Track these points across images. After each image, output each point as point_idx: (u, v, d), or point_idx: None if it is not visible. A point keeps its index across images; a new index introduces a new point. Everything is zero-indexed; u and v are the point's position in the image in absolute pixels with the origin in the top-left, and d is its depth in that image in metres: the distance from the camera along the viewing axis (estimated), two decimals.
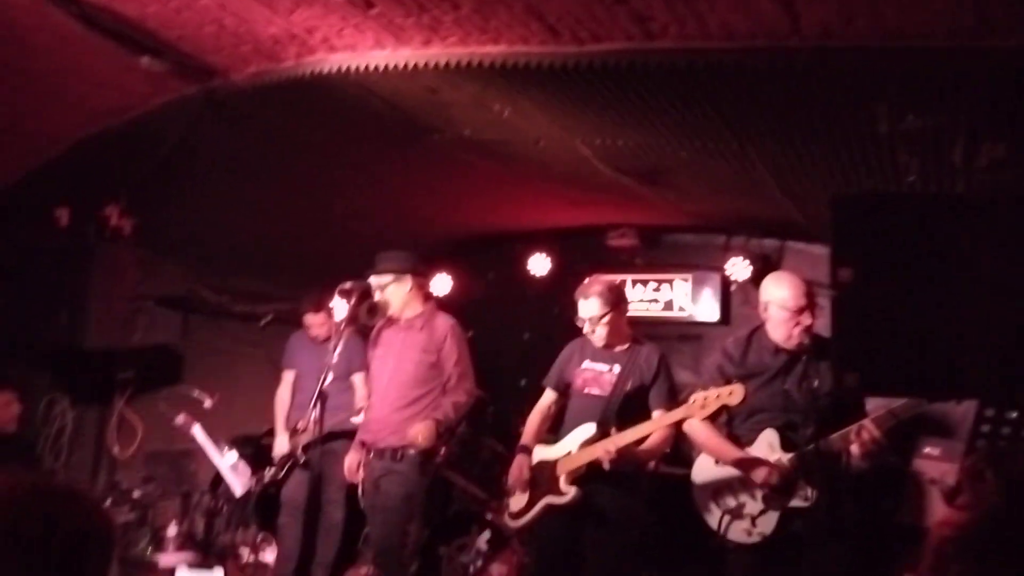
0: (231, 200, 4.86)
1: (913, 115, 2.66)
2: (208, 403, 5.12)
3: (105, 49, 3.32)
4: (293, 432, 4.91)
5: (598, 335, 3.64)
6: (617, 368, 3.64)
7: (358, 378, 4.87)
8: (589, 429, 3.57)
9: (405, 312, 4.19)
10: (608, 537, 3.56)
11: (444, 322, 4.18)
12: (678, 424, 3.51)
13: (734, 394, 3.15)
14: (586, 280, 3.79)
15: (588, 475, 3.53)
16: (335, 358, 4.85)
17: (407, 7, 2.80)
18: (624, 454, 3.41)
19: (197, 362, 5.59)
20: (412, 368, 4.09)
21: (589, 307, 3.61)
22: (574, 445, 3.60)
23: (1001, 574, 0.63)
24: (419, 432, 3.89)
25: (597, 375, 3.69)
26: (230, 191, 4.77)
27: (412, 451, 4.00)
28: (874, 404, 3.20)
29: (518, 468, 3.74)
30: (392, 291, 4.14)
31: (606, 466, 3.40)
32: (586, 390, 3.69)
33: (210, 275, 5.43)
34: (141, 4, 3.01)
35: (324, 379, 4.17)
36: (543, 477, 3.68)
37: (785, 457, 3.09)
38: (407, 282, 4.16)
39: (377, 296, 4.17)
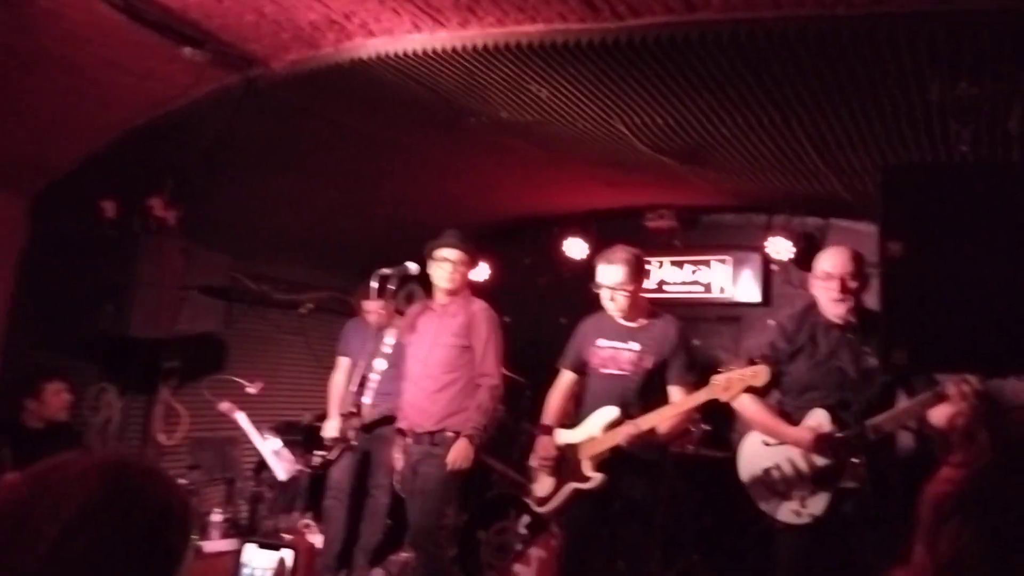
0: (272, 189, 4.92)
1: (966, 82, 2.58)
2: (252, 389, 5.21)
3: (148, 41, 3.36)
4: (346, 416, 4.97)
5: (617, 305, 3.56)
6: (635, 345, 3.57)
7: None
8: (611, 412, 3.53)
9: (444, 298, 4.22)
10: (634, 520, 3.56)
11: (478, 305, 4.22)
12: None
13: (758, 375, 3.12)
14: (610, 247, 3.72)
15: (612, 460, 3.50)
16: (387, 347, 4.93)
17: None
18: (646, 438, 3.39)
19: (239, 350, 5.68)
20: (445, 353, 4.13)
21: (613, 274, 3.53)
22: (597, 428, 3.56)
23: (996, 529, 0.65)
24: (456, 456, 3.96)
25: (615, 353, 3.62)
26: (271, 180, 4.82)
27: (449, 434, 4.03)
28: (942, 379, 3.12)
29: (543, 450, 3.73)
30: (463, 269, 4.19)
31: (626, 446, 3.39)
32: (604, 370, 3.63)
33: (252, 264, 5.49)
34: None
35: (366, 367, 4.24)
36: (567, 461, 3.66)
37: (837, 434, 3.04)
38: (473, 265, 4.25)
39: (448, 268, 4.14)
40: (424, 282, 4.52)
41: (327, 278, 6.13)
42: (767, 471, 3.24)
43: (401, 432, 4.23)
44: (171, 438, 5.36)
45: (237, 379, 5.28)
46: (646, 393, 3.53)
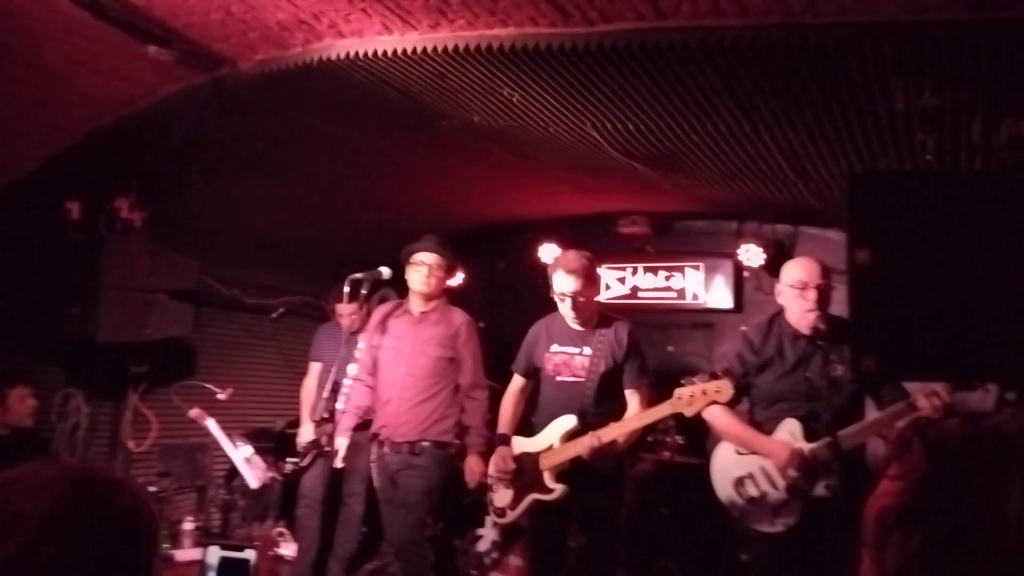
0: (241, 191, 4.86)
1: (930, 92, 2.61)
2: (222, 396, 5.13)
3: (113, 39, 3.31)
4: (319, 422, 4.91)
5: (571, 311, 3.57)
6: (588, 350, 3.59)
7: None
8: (570, 421, 3.53)
9: (421, 305, 4.16)
10: (596, 524, 3.57)
11: (460, 316, 4.17)
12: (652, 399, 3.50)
13: (721, 391, 3.12)
14: (560, 253, 3.71)
15: (572, 470, 3.51)
16: (359, 351, 4.87)
17: None
18: (607, 449, 3.40)
19: (209, 355, 5.60)
20: (429, 363, 4.07)
21: (568, 283, 3.53)
22: (556, 438, 3.56)
23: (938, 538, 0.65)
24: (475, 473, 3.93)
25: (568, 359, 3.63)
26: (240, 182, 4.77)
27: (428, 444, 4.00)
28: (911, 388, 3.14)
29: (501, 460, 3.71)
30: (440, 275, 4.13)
31: (586, 457, 3.39)
32: (559, 377, 3.64)
33: (221, 267, 5.42)
34: None
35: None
36: (526, 471, 3.64)
37: (807, 447, 3.04)
38: (451, 270, 4.19)
39: (424, 272, 4.08)
40: (399, 286, 4.46)
41: (299, 282, 6.07)
42: (740, 480, 3.24)
43: (376, 439, 4.16)
44: (140, 445, 5.27)
45: (207, 385, 5.20)
46: (602, 398, 3.55)
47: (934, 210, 2.27)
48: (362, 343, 4.98)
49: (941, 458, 0.69)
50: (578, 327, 3.64)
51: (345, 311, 5.04)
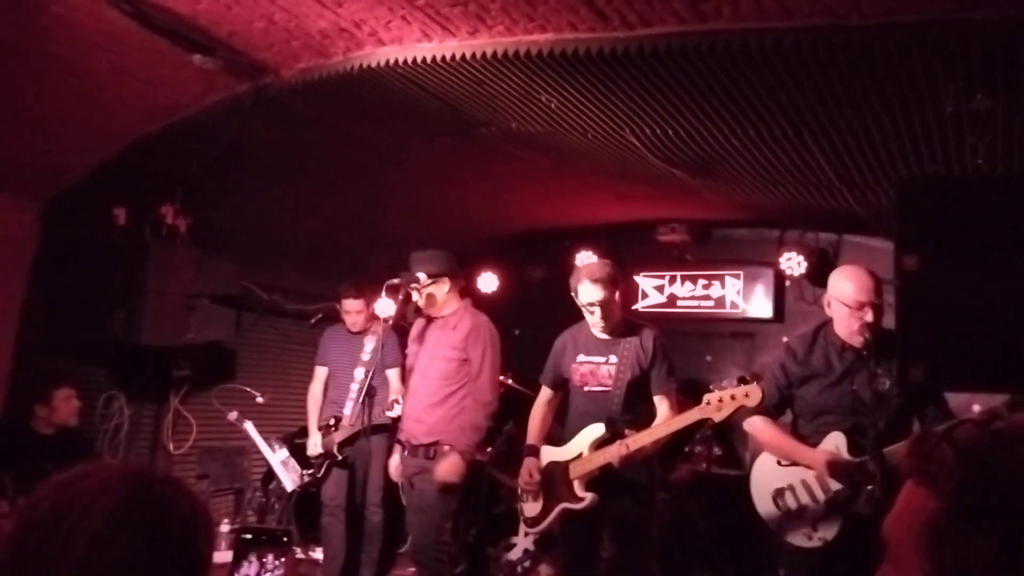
0: (283, 198, 4.92)
1: (982, 94, 2.53)
2: (261, 399, 5.19)
3: (159, 48, 3.37)
4: (325, 429, 4.93)
5: (599, 320, 3.57)
6: (613, 359, 3.58)
7: (392, 373, 4.86)
8: (598, 429, 3.52)
9: (443, 311, 4.19)
10: (628, 535, 3.53)
11: (475, 318, 4.17)
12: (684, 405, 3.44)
13: (751, 396, 3.07)
14: (584, 262, 3.69)
15: (602, 478, 3.48)
16: (371, 353, 4.91)
17: None
18: (636, 456, 3.37)
19: (249, 359, 5.68)
20: (442, 366, 4.09)
21: (595, 292, 3.52)
22: (585, 447, 3.55)
23: (996, 539, 0.66)
24: (445, 470, 3.90)
25: (594, 368, 3.63)
26: (282, 189, 4.83)
27: (445, 448, 3.99)
28: (956, 403, 3.06)
29: (528, 472, 3.70)
30: (433, 289, 4.15)
31: (616, 464, 3.36)
32: (587, 388, 3.64)
33: (262, 273, 5.50)
34: (193, 1, 3.05)
35: (370, 374, 4.21)
36: (555, 480, 3.63)
37: (854, 460, 2.95)
38: (445, 283, 4.17)
39: (415, 297, 4.16)
40: None
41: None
42: (780, 491, 3.16)
43: (400, 443, 4.20)
44: (180, 447, 5.35)
45: (246, 388, 5.27)
46: (630, 406, 3.53)
47: (984, 216, 2.21)
48: (368, 345, 5.02)
49: (979, 459, 0.70)
50: (605, 336, 3.64)
51: (352, 307, 5.06)
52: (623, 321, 3.67)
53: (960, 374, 2.23)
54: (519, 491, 3.81)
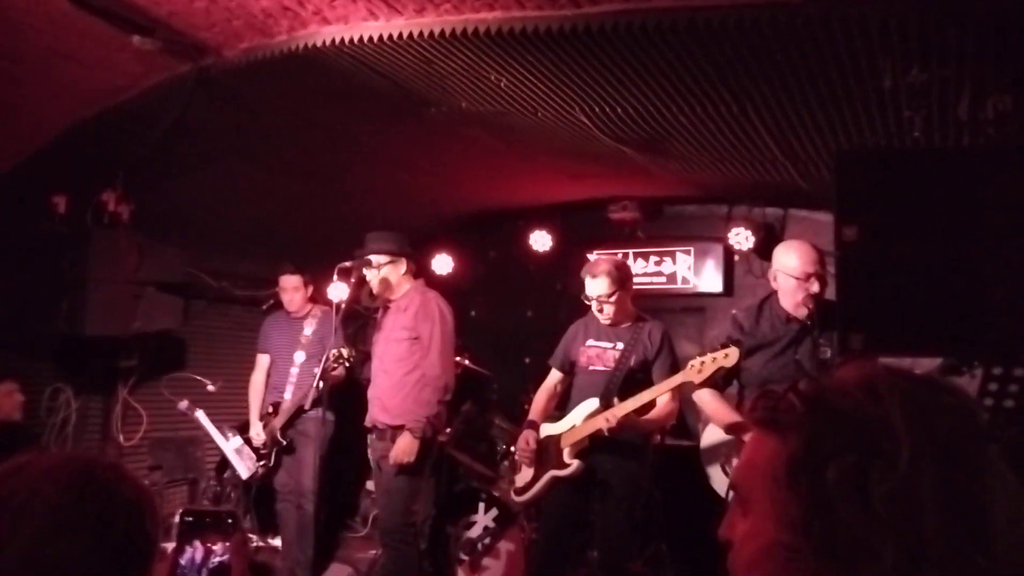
0: (229, 182, 4.83)
1: (917, 68, 2.61)
2: (212, 388, 5.11)
3: (95, 29, 3.28)
4: (266, 417, 4.89)
5: (605, 313, 3.69)
6: (621, 345, 3.70)
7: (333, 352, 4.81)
8: (592, 403, 3.64)
9: (396, 293, 4.21)
10: (613, 507, 3.60)
11: (424, 295, 4.19)
12: (680, 397, 3.52)
13: (729, 356, 3.19)
14: (593, 258, 3.82)
15: (591, 447, 3.57)
16: (311, 335, 4.86)
17: None
18: (625, 423, 3.43)
19: (200, 348, 5.58)
20: (395, 347, 4.12)
21: (598, 286, 3.64)
22: (578, 419, 3.66)
23: (848, 469, 0.77)
24: (397, 451, 3.94)
25: (601, 352, 3.75)
26: (228, 172, 4.73)
27: (405, 430, 4.00)
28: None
29: (524, 442, 3.79)
30: (388, 272, 4.15)
31: (606, 433, 3.42)
32: (591, 367, 3.75)
33: (211, 259, 5.39)
34: None
35: (322, 357, 4.18)
36: (548, 451, 3.73)
37: None
38: (401, 265, 4.17)
39: (370, 276, 4.16)
40: None
41: (297, 272, 6.04)
42: (728, 459, 3.28)
43: (367, 429, 4.23)
44: (131, 439, 5.25)
45: (196, 377, 5.18)
46: (627, 388, 3.60)
47: (921, 187, 2.28)
48: (308, 328, 4.98)
49: (824, 404, 0.81)
50: (613, 326, 3.74)
51: (288, 284, 5.01)
52: (633, 313, 3.77)
53: (898, 340, 2.31)
54: (516, 461, 3.89)
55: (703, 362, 3.25)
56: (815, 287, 3.09)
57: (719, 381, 3.33)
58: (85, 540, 0.99)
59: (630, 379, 3.63)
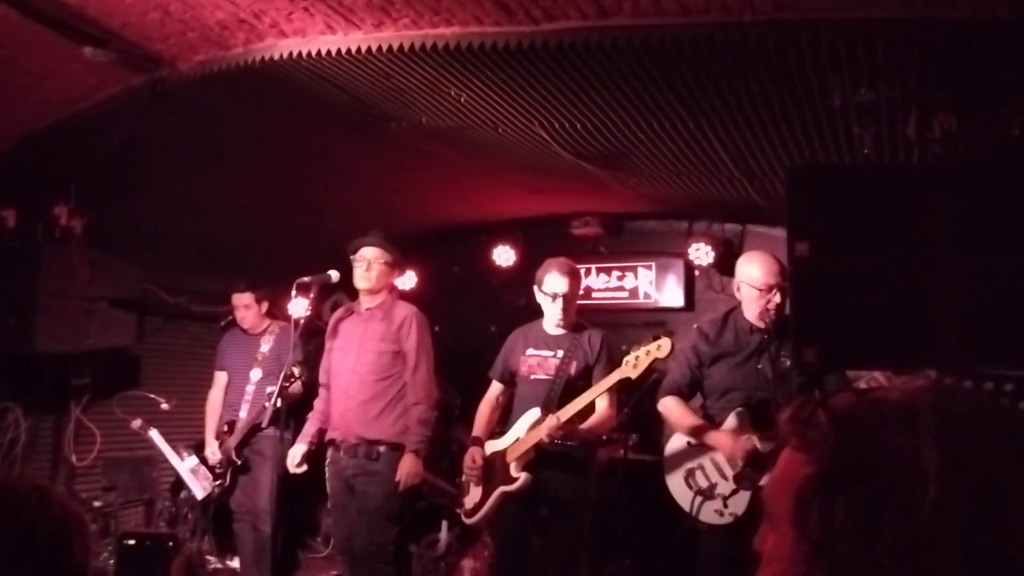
0: (185, 196, 4.75)
1: (866, 88, 2.67)
2: (166, 406, 5.01)
3: (46, 39, 3.21)
4: (222, 436, 4.81)
5: (558, 312, 3.68)
6: (561, 353, 3.69)
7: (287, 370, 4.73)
8: (534, 413, 3.62)
9: (368, 302, 4.11)
10: (561, 520, 3.58)
11: (405, 309, 4.09)
12: (620, 400, 3.55)
13: (662, 347, 3.25)
14: (551, 258, 3.83)
15: (537, 458, 3.56)
16: (268, 353, 4.78)
17: None
18: (566, 429, 3.44)
19: (155, 365, 5.47)
20: (373, 359, 4.00)
21: (561, 283, 3.66)
22: (521, 430, 3.64)
23: (858, 504, 0.68)
24: (406, 473, 3.84)
25: (542, 360, 3.73)
26: (184, 187, 4.66)
27: (384, 448, 3.92)
28: (855, 377, 3.23)
29: (470, 459, 3.74)
30: (383, 272, 4.04)
31: (548, 440, 3.43)
32: (531, 376, 3.73)
33: (166, 275, 5.30)
34: None
35: (280, 375, 4.07)
36: (495, 468, 3.69)
37: (755, 435, 3.10)
38: (396, 270, 4.12)
39: (363, 267, 4.01)
40: (353, 289, 4.39)
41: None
42: (691, 471, 3.30)
43: (333, 444, 4.05)
44: (84, 459, 5.12)
45: (150, 395, 5.07)
46: (568, 396, 3.58)
47: (871, 203, 2.33)
48: (265, 345, 4.91)
49: (850, 427, 0.71)
50: (557, 331, 3.74)
51: (240, 302, 4.95)
52: (573, 320, 3.77)
53: (851, 354, 2.35)
54: (464, 479, 3.84)
55: (637, 356, 3.28)
56: (776, 298, 3.13)
57: (683, 389, 3.36)
58: (3, 567, 0.95)
59: (571, 387, 3.61)
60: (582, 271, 6.04)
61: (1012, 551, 0.64)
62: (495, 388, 3.92)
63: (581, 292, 5.88)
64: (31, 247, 4.36)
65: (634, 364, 3.29)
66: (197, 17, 3.08)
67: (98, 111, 3.80)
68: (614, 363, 3.66)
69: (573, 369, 3.64)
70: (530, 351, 3.77)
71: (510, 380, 3.85)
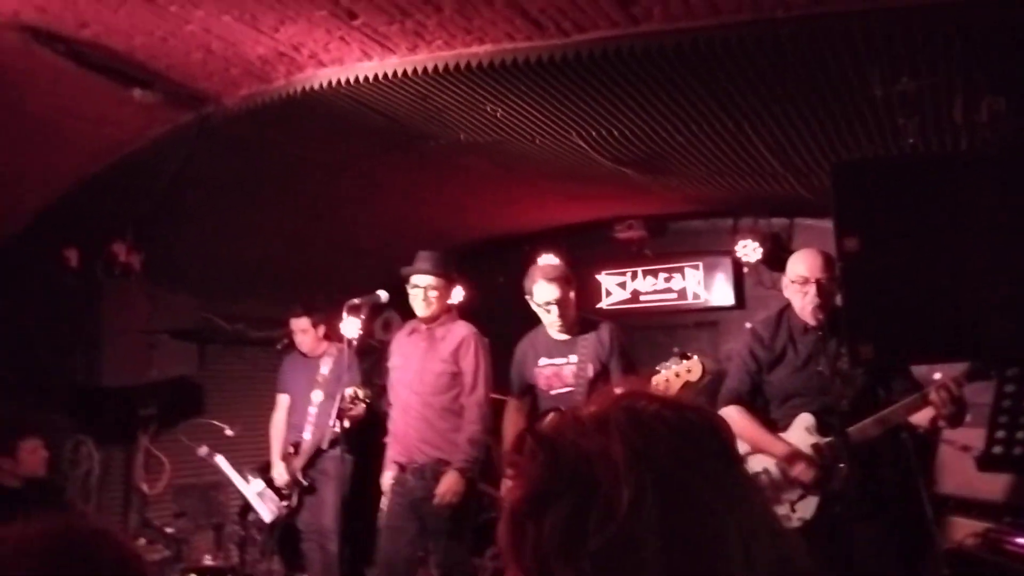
0: (236, 225, 4.88)
1: (907, 76, 2.61)
2: (230, 432, 5.12)
3: (97, 85, 3.34)
4: (287, 457, 4.90)
5: (558, 320, 3.62)
6: (574, 358, 3.63)
7: (349, 392, 4.80)
8: None
9: (425, 322, 4.11)
10: None
11: (464, 329, 4.09)
12: None
13: (692, 371, 3.18)
14: (538, 262, 3.78)
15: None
16: (328, 374, 4.86)
17: (390, 14, 2.80)
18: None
19: (216, 392, 5.61)
20: (432, 379, 4.00)
21: (551, 291, 3.60)
22: None
23: (562, 517, 0.69)
24: (448, 490, 3.80)
25: (557, 371, 3.69)
26: (234, 216, 4.79)
27: (453, 469, 3.88)
28: (918, 372, 3.15)
29: (504, 487, 3.70)
30: (438, 294, 4.03)
31: None
32: (552, 391, 3.67)
33: (223, 303, 5.44)
34: (127, 36, 3.03)
35: (334, 396, 4.13)
36: None
37: (822, 441, 3.02)
38: (450, 290, 4.11)
39: (420, 295, 4.02)
40: (403, 306, 4.42)
41: (306, 314, 6.07)
42: (756, 476, 3.22)
43: (399, 465, 4.04)
44: (154, 487, 5.26)
45: (214, 422, 5.20)
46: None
47: (918, 193, 2.28)
48: (324, 367, 4.98)
49: (551, 446, 0.72)
50: (563, 336, 3.69)
51: (297, 326, 5.05)
52: (579, 319, 3.71)
53: (907, 348, 2.30)
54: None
55: (668, 379, 3.19)
56: (812, 292, 3.05)
57: (744, 396, 3.26)
58: None
59: (593, 391, 3.56)
60: (628, 275, 6.10)
61: (702, 533, 0.67)
62: (514, 402, 3.89)
63: (625, 293, 6.01)
64: (93, 285, 4.52)
65: (665, 387, 3.20)
66: (239, 53, 3.17)
67: (149, 150, 3.93)
68: (629, 357, 3.62)
69: (591, 372, 3.58)
70: (543, 361, 3.71)
71: (527, 391, 3.83)
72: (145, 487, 5.22)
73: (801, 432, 3.09)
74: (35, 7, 2.80)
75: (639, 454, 0.68)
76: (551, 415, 0.77)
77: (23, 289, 4.54)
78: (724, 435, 0.77)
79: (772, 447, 3.10)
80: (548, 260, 3.75)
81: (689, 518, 0.67)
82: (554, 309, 3.60)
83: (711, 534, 0.67)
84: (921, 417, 2.88)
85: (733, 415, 3.22)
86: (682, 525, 0.66)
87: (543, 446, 0.73)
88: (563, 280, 3.61)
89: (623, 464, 0.67)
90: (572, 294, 3.65)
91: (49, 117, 3.61)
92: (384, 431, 4.28)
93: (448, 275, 4.11)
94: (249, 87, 3.48)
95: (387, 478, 4.07)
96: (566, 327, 3.66)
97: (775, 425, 3.17)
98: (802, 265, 3.12)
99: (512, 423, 3.88)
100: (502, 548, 0.75)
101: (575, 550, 0.66)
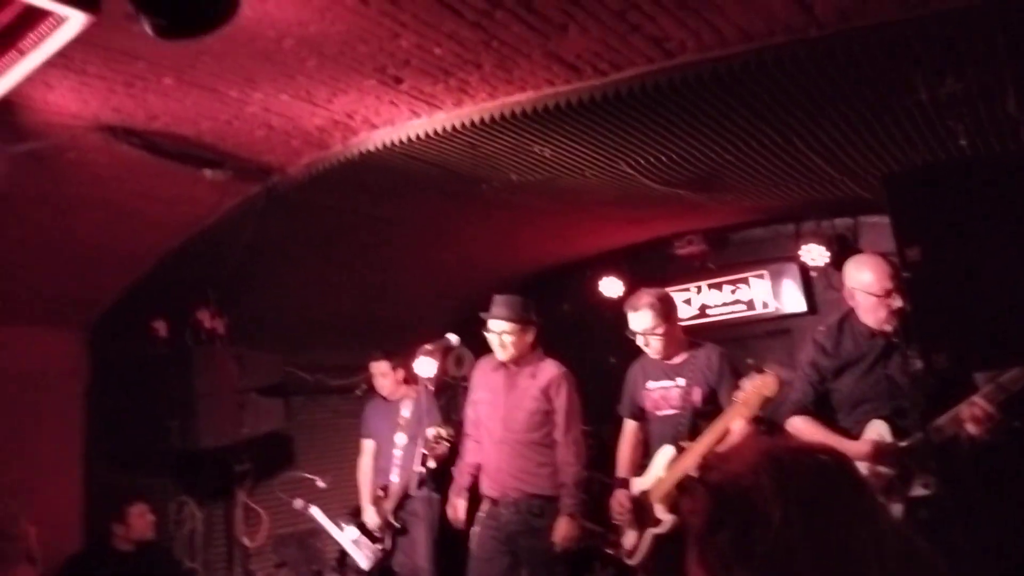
0: (308, 282, 5.10)
1: (952, 78, 2.58)
2: (322, 484, 5.28)
3: (171, 170, 3.58)
4: (377, 500, 5.03)
5: (653, 348, 3.66)
6: (682, 381, 3.65)
7: (431, 432, 4.83)
8: (669, 451, 3.60)
9: (521, 360, 4.15)
10: None
11: (554, 369, 4.14)
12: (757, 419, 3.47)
13: (767, 384, 3.19)
14: (635, 293, 3.82)
15: (681, 496, 3.50)
16: (410, 416, 4.95)
17: (433, 76, 2.93)
18: (708, 462, 3.38)
19: (304, 441, 5.79)
20: (526, 416, 4.06)
21: (642, 320, 3.64)
22: (661, 470, 3.61)
23: (730, 536, 0.98)
24: (565, 537, 3.88)
25: (665, 393, 3.70)
26: (305, 274, 5.01)
27: (543, 503, 3.97)
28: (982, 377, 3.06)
29: (617, 504, 3.74)
30: (513, 339, 4.08)
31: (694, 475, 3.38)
32: (659, 412, 3.70)
33: (303, 356, 5.65)
34: (195, 123, 3.24)
35: (415, 439, 4.19)
36: (643, 508, 3.67)
37: (900, 444, 2.95)
38: (528, 332, 4.13)
39: (495, 341, 4.10)
40: (474, 340, 4.50)
41: (385, 358, 6.23)
42: None
43: (491, 500, 4.12)
44: (255, 539, 5.46)
45: (306, 475, 5.38)
46: (699, 425, 3.55)
47: (975, 196, 2.26)
48: (405, 410, 5.09)
49: (718, 487, 1.03)
50: (668, 360, 3.70)
51: (378, 370, 5.18)
52: (685, 342, 3.74)
53: (982, 355, 2.26)
54: (616, 521, 3.83)
55: (748, 396, 3.24)
56: (897, 302, 2.94)
57: (808, 407, 3.23)
58: None
59: (700, 415, 3.57)
60: (692, 290, 6.06)
61: (844, 543, 0.93)
62: (629, 425, 3.92)
63: (692, 309, 5.96)
64: (183, 352, 4.77)
65: (745, 403, 3.25)
66: (298, 126, 3.36)
67: (223, 222, 4.17)
68: (738, 379, 3.60)
69: (697, 396, 3.59)
70: (651, 384, 3.74)
71: (639, 414, 3.85)
72: (246, 540, 5.42)
73: (874, 439, 3.03)
74: (111, 108, 3.04)
75: (783, 484, 0.96)
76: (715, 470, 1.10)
77: (118, 361, 4.83)
78: (848, 466, 1.04)
79: (850, 448, 3.05)
80: (640, 291, 3.81)
81: (827, 529, 0.94)
82: (643, 339, 3.66)
83: (850, 547, 0.93)
84: (970, 426, 2.79)
85: (800, 425, 3.20)
86: (823, 535, 0.93)
87: (711, 492, 1.02)
88: (651, 307, 3.63)
89: (771, 492, 0.95)
90: (667, 321, 3.66)
91: (130, 202, 3.87)
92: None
93: (523, 319, 4.13)
94: (310, 155, 3.67)
95: (460, 505, 4.18)
96: (666, 355, 3.69)
97: (847, 433, 3.10)
98: (878, 275, 3.01)
99: (628, 444, 3.92)
100: (691, 562, 1.04)
101: (748, 556, 0.94)
